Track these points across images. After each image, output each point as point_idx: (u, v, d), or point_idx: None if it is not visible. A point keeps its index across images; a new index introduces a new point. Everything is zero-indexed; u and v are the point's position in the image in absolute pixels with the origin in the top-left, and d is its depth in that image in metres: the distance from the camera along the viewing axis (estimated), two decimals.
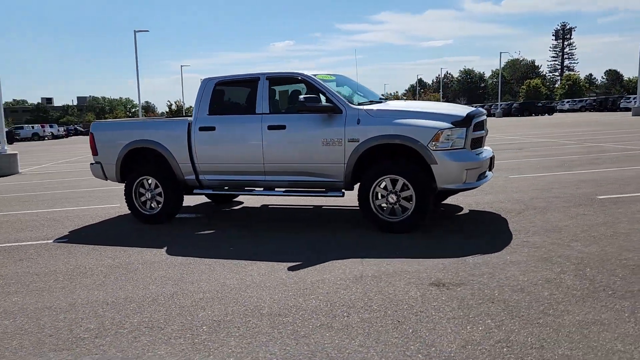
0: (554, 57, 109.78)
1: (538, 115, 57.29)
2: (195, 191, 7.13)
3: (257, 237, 6.25)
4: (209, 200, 8.90)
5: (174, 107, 62.67)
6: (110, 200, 9.46)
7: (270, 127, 6.41)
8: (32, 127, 59.89)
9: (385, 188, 5.96)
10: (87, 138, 8.30)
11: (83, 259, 5.66)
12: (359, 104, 6.26)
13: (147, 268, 5.17)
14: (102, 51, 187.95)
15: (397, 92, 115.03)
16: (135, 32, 35.67)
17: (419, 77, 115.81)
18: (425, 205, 5.81)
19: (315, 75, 6.48)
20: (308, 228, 6.57)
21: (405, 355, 3.07)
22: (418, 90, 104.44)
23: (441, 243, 5.49)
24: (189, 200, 8.88)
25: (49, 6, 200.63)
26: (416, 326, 3.46)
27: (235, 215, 7.83)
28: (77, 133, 68.81)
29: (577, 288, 3.96)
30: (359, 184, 6.14)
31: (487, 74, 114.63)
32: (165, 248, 5.91)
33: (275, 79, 6.66)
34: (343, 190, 6.31)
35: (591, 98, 71.30)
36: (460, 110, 6.07)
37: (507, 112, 60.75)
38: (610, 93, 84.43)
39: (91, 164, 7.83)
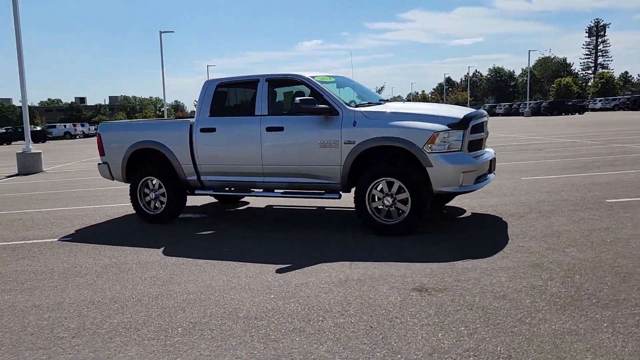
0: (587, 54, 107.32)
1: (568, 114, 56.05)
2: (196, 192, 7.20)
3: (259, 237, 6.27)
4: (216, 201, 8.98)
5: None
6: (121, 199, 9.61)
7: (269, 129, 6.43)
8: (64, 126, 61.46)
9: (381, 190, 5.91)
10: None
11: (82, 258, 5.77)
12: (357, 106, 6.23)
13: (140, 268, 5.25)
14: (134, 51, 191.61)
15: (423, 91, 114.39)
16: (160, 32, 36.23)
17: (447, 76, 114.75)
18: (422, 208, 5.74)
19: (314, 77, 6.48)
20: (309, 229, 6.56)
21: None
22: (445, 89, 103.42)
23: (436, 246, 5.42)
24: (196, 201, 8.99)
25: (83, 8, 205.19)
26: (388, 332, 3.42)
27: (239, 216, 7.87)
28: None
29: (561, 296, 3.86)
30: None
31: (517, 73, 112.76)
32: (163, 248, 5.98)
33: (275, 81, 6.67)
34: (340, 193, 6.29)
35: (625, 96, 69.35)
36: (458, 112, 5.98)
37: (536, 112, 59.54)
38: None
39: (99, 164, 7.99)
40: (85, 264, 5.51)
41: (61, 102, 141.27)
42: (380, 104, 6.65)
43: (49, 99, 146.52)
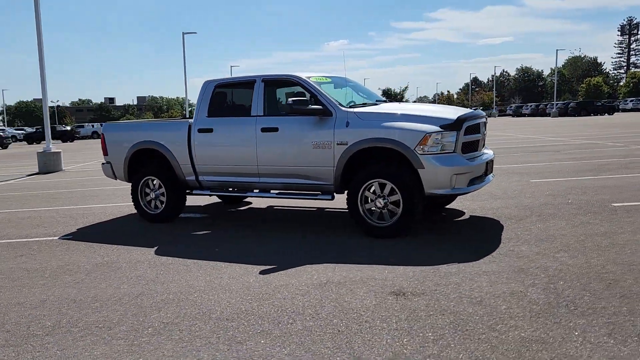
0: (619, 53, 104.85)
1: (597, 115, 54.77)
2: (194, 192, 7.26)
3: (259, 237, 6.28)
4: (219, 201, 9.04)
5: None
6: (129, 199, 9.72)
7: (264, 130, 6.43)
8: (92, 125, 62.76)
9: (374, 192, 5.86)
10: None
11: (76, 256, 5.86)
12: (351, 107, 6.19)
13: (130, 267, 5.30)
14: (161, 52, 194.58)
15: (449, 91, 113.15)
16: (183, 34, 36.70)
17: (474, 76, 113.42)
18: (413, 210, 5.67)
19: (309, 77, 6.45)
20: (307, 230, 6.53)
21: None
22: (472, 89, 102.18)
23: (427, 249, 5.34)
24: (199, 200, 9.06)
25: (113, 10, 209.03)
26: (354, 337, 3.38)
27: (240, 216, 7.90)
28: None
29: (539, 302, 3.76)
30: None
31: (546, 72, 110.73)
32: (157, 247, 6.03)
33: (271, 82, 6.67)
34: (333, 194, 6.25)
35: None
36: (452, 113, 5.88)
37: (564, 112, 58.27)
38: None
39: (102, 163, 8.12)
40: (78, 262, 5.59)
41: (91, 102, 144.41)
42: (377, 104, 6.59)
43: (79, 99, 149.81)
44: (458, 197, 7.50)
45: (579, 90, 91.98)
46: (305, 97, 6.19)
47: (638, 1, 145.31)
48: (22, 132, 59.96)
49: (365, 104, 6.52)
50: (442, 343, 3.21)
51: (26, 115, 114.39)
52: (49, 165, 16.94)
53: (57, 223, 7.88)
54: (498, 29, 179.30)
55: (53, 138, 51.59)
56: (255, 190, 6.85)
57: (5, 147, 43.50)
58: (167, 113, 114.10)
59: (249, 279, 4.70)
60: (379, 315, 3.71)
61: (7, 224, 8.01)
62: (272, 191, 6.69)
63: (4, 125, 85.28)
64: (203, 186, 7.14)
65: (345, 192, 6.18)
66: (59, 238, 6.83)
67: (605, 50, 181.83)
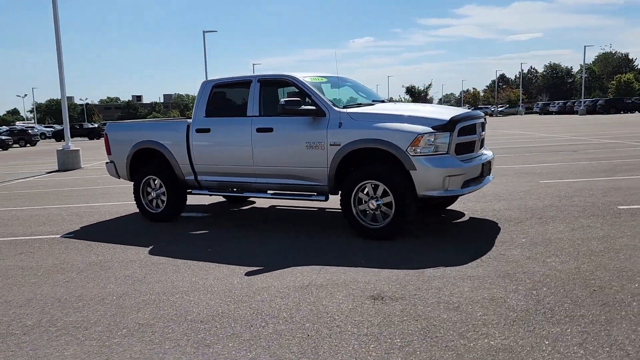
0: None
1: (627, 112, 53.38)
2: (193, 192, 7.30)
3: (260, 236, 6.28)
4: (223, 200, 9.08)
5: None
6: None
7: (259, 130, 6.43)
8: None
9: (367, 193, 5.81)
10: None
11: (72, 255, 5.95)
12: (345, 107, 6.14)
13: (121, 266, 5.36)
14: (186, 50, 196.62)
15: (474, 88, 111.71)
16: (204, 32, 36.98)
17: (501, 73, 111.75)
18: (405, 212, 5.59)
19: (304, 77, 6.42)
20: (305, 230, 6.51)
21: None
22: (498, 86, 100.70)
23: (415, 252, 5.27)
24: (203, 200, 9.11)
25: (141, 9, 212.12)
26: (321, 341, 3.35)
27: (242, 215, 7.92)
28: None
29: (517, 309, 3.67)
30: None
31: (576, 69, 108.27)
32: (153, 247, 6.09)
33: (267, 82, 6.67)
34: (327, 195, 6.22)
35: None
36: (446, 113, 5.78)
37: (592, 110, 56.86)
38: None
39: (106, 162, 8.23)
40: (73, 261, 5.67)
41: (119, 100, 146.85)
42: (373, 104, 6.53)
43: (107, 97, 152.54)
44: (460, 197, 7.39)
45: (609, 87, 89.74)
46: (299, 97, 6.17)
47: None
48: (51, 129, 61.27)
49: (361, 104, 6.46)
50: (407, 350, 3.16)
51: (56, 113, 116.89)
52: (67, 163, 17.27)
53: (63, 221, 8.02)
54: (526, 25, 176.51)
55: (81, 135, 53.12)
56: (251, 192, 6.85)
57: (33, 144, 44.55)
58: (191, 111, 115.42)
59: (233, 280, 4.70)
60: (352, 319, 3.67)
61: (14, 221, 8.18)
62: (268, 191, 6.69)
63: (34, 122, 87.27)
64: (202, 186, 7.18)
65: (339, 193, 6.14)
66: (60, 236, 6.94)
67: (637, 46, 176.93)
